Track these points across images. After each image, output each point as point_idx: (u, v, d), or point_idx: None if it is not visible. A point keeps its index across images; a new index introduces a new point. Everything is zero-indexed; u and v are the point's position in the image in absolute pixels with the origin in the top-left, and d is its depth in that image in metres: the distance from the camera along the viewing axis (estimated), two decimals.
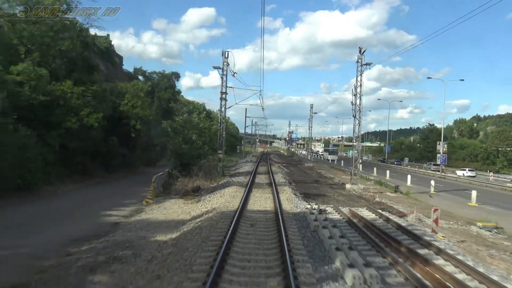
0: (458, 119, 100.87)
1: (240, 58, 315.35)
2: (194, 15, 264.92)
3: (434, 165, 50.45)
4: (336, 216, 12.90)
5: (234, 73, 25.92)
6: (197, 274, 6.53)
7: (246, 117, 58.70)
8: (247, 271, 6.91)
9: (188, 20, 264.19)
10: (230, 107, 30.84)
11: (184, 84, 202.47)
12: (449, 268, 7.67)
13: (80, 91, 20.78)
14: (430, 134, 77.65)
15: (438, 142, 44.68)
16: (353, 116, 26.52)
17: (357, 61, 26.06)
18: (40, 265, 8.21)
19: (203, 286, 5.86)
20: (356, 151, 28.78)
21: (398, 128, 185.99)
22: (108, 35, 38.47)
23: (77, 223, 12.66)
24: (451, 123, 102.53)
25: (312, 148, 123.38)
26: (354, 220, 11.77)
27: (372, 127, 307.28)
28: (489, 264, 9.64)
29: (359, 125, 26.79)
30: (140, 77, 41.14)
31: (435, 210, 12.94)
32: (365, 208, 15.18)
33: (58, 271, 7.72)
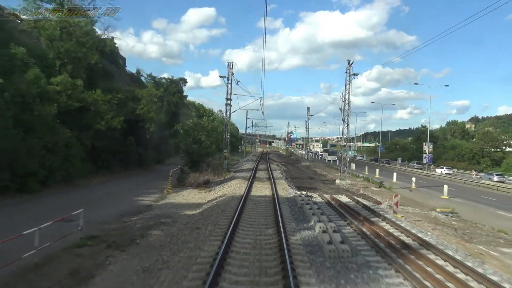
0: (450, 121, 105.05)
1: (240, 58, 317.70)
2: (194, 15, 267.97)
3: (417, 163, 54.46)
4: (319, 199, 16.67)
5: (237, 81, 29.68)
6: (222, 227, 10.24)
7: (247, 119, 62.51)
8: (253, 227, 10.61)
9: (188, 20, 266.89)
10: (234, 111, 34.38)
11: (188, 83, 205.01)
12: (387, 227, 11.41)
13: (108, 99, 24.48)
14: (422, 135, 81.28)
15: (424, 143, 48.39)
16: (342, 120, 30.31)
17: (346, 72, 29.80)
18: (109, 227, 11.90)
19: (226, 231, 9.53)
20: (345, 151, 32.50)
21: (397, 129, 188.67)
22: (112, 38, 41.56)
23: (119, 205, 16.33)
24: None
25: (311, 148, 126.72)
26: (332, 202, 15.52)
27: (372, 128, 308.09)
28: (427, 232, 13.34)
29: (347, 127, 30.55)
30: (142, 78, 44.83)
31: (396, 195, 16.73)
32: (344, 195, 18.93)
33: (125, 230, 11.41)
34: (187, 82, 42.54)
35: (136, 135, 30.94)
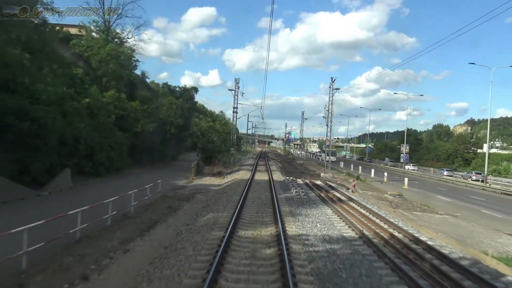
0: (436, 124, 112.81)
1: (240, 58, 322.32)
2: (195, 14, 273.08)
3: (390, 161, 62.31)
4: (300, 182, 24.13)
5: (242, 93, 37.13)
6: (239, 192, 17.67)
7: (248, 121, 70.11)
8: (257, 192, 18.02)
9: (188, 19, 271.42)
10: (240, 117, 41.90)
11: (184, 83, 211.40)
12: (338, 195, 18.86)
13: (144, 108, 31.83)
14: (407, 138, 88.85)
15: (401, 144, 55.88)
16: (326, 125, 37.79)
17: (329, 87, 37.24)
18: (169, 193, 19.20)
19: (242, 193, 16.86)
20: (328, 150, 40.02)
21: (396, 130, 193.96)
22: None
23: (165, 185, 23.23)
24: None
25: (308, 148, 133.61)
26: (309, 184, 22.97)
27: (371, 128, 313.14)
28: (368, 201, 20.72)
29: (331, 131, 38.03)
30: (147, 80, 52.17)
31: (354, 180, 24.15)
32: (320, 181, 26.39)
33: (179, 195, 18.73)
34: (198, 90, 49.99)
35: (160, 136, 38.31)
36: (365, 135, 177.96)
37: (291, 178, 25.05)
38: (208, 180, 26.54)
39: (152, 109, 33.03)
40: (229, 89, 36.71)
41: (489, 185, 36.48)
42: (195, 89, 49.34)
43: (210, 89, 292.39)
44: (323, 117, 36.80)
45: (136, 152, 33.22)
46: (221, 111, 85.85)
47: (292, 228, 11.06)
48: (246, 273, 7.17)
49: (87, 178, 22.66)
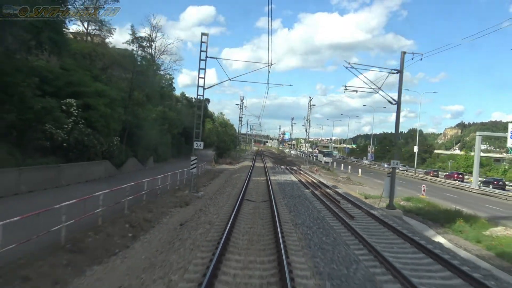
0: (411, 128, 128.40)
1: (238, 58, 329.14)
2: (193, 13, 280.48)
3: (354, 158, 77.54)
4: (283, 167, 39.09)
5: (245, 107, 51.77)
6: (246, 172, 32.46)
7: (247, 124, 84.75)
8: (257, 173, 32.81)
9: (187, 17, 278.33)
10: (243, 125, 56.61)
11: (181, 81, 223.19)
12: (303, 173, 33.85)
13: (178, 118, 46.38)
14: (384, 140, 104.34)
15: (368, 146, 71.03)
16: (305, 130, 52.62)
17: (308, 103, 52.11)
18: (207, 171, 33.84)
19: (247, 174, 31.53)
20: (310, 150, 55.02)
21: (390, 132, 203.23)
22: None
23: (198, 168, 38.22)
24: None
25: (300, 148, 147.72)
26: (288, 168, 37.95)
27: (367, 129, 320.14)
28: (321, 177, 35.68)
29: (308, 134, 52.90)
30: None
31: (316, 168, 39.00)
32: (296, 167, 41.36)
33: (211, 172, 33.37)
34: (209, 101, 64.63)
35: (186, 135, 52.95)
36: (359, 135, 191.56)
37: (278, 165, 39.96)
38: (224, 166, 41.20)
39: (180, 117, 47.67)
40: (236, 104, 51.45)
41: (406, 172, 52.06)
42: (207, 100, 64.03)
43: (207, 89, 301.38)
44: (302, 125, 51.64)
45: (172, 148, 47.87)
46: (221, 113, 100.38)
47: (272, 177, 26.00)
48: (255, 187, 21.89)
49: (155, 162, 37.27)
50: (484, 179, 42.55)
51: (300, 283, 6.54)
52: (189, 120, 55.28)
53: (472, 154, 68.64)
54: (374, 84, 18.64)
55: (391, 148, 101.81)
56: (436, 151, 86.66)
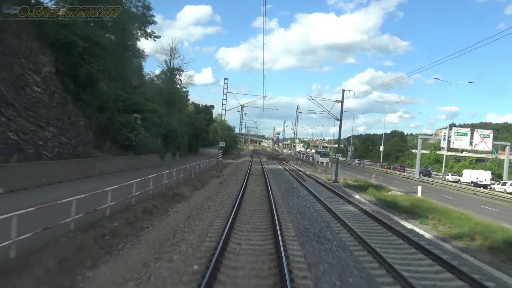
0: (394, 130, 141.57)
1: (234, 57, 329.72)
2: (190, 12, 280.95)
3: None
4: (275, 161, 51.39)
5: (245, 113, 63.78)
6: (247, 164, 44.62)
7: (245, 127, 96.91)
8: (255, 165, 44.97)
9: (184, 16, 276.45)
10: (245, 127, 68.80)
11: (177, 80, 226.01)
12: (289, 165, 46.17)
13: (192, 122, 58.34)
14: (366, 141, 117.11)
15: (349, 145, 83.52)
16: (294, 133, 64.85)
17: (296, 110, 64.30)
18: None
19: (248, 165, 43.60)
20: (302, 149, 67.34)
21: (384, 132, 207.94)
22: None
23: (211, 161, 50.24)
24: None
25: (295, 148, 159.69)
26: (278, 161, 50.25)
27: (361, 130, 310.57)
28: (305, 169, 47.95)
29: (296, 135, 65.15)
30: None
31: (299, 162, 51.27)
32: (285, 161, 53.70)
33: (223, 164, 45.39)
34: (214, 107, 76.75)
35: (197, 138, 64.97)
36: (353, 136, 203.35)
37: (271, 159, 52.28)
38: (230, 161, 53.18)
39: (193, 122, 59.65)
40: (238, 111, 63.57)
41: (369, 166, 64.79)
42: (212, 106, 76.13)
43: (203, 87, 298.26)
44: (291, 128, 63.93)
45: (189, 146, 59.89)
46: (219, 114, 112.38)
47: (266, 166, 38.31)
48: (255, 171, 33.99)
49: (179, 157, 49.22)
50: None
51: (274, 189, 18.84)
52: (198, 123, 67.40)
53: (437, 152, 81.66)
54: (325, 109, 30.85)
55: (373, 148, 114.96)
56: (413, 150, 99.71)
